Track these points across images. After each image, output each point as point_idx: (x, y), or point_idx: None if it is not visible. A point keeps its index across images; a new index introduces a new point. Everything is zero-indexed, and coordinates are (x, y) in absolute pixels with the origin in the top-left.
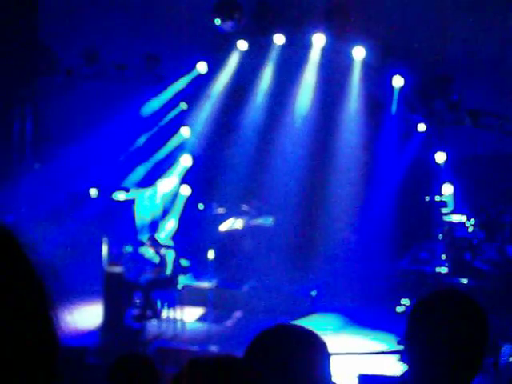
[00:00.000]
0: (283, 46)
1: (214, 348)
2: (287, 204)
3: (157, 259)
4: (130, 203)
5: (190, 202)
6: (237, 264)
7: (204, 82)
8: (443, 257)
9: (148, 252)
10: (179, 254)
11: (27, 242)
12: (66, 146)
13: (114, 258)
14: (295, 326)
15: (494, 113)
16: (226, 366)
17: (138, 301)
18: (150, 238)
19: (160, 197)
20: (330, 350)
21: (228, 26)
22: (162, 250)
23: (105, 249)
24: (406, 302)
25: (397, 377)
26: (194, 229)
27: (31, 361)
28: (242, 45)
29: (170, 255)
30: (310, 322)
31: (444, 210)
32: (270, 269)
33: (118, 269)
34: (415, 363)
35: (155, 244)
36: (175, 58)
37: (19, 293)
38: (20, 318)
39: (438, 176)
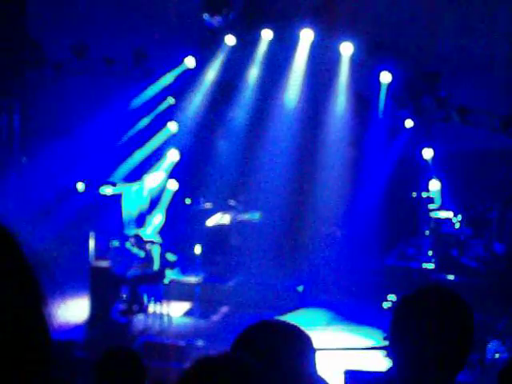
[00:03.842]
0: (271, 42)
1: (200, 343)
2: (274, 199)
3: (142, 254)
4: (116, 198)
5: (177, 196)
6: (224, 259)
7: (192, 76)
8: (430, 253)
9: (134, 247)
10: (166, 249)
11: (21, 238)
12: (53, 140)
13: (101, 252)
14: (280, 321)
15: (482, 109)
16: (234, 366)
17: (124, 295)
18: (134, 237)
19: (147, 191)
20: (317, 345)
21: (216, 20)
22: (148, 246)
23: (91, 243)
24: (392, 297)
25: (383, 372)
26: (181, 224)
27: (25, 354)
28: (230, 40)
29: (155, 250)
30: (296, 317)
31: (431, 206)
32: (256, 264)
33: (104, 263)
34: (400, 360)
35: (139, 242)
36: (163, 52)
37: (15, 288)
38: (15, 313)
39: (425, 172)
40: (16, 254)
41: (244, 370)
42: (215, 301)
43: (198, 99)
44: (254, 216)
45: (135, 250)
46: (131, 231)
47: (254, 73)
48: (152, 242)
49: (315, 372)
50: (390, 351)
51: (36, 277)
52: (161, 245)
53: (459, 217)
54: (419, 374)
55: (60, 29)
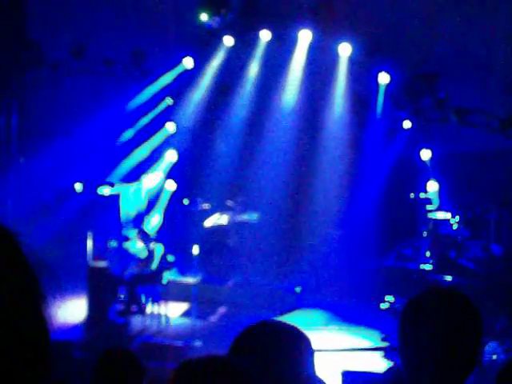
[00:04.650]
0: (269, 42)
1: (198, 343)
2: (272, 200)
3: (144, 253)
4: (114, 198)
5: (175, 197)
6: (221, 260)
7: (190, 77)
8: (427, 254)
9: (133, 247)
10: (166, 249)
11: (20, 238)
12: (51, 140)
13: (99, 252)
14: (279, 322)
15: (480, 110)
16: (217, 367)
17: (122, 296)
18: (139, 232)
19: (145, 192)
20: (314, 346)
21: (214, 21)
22: (152, 244)
23: (89, 243)
24: (390, 298)
25: (381, 374)
26: (178, 224)
27: (24, 355)
28: (229, 40)
29: (158, 249)
30: (294, 318)
31: (429, 207)
32: (254, 265)
33: (102, 263)
34: (409, 364)
35: (144, 237)
36: (162, 53)
37: (14, 288)
38: (14, 313)
39: (423, 173)
40: (16, 254)
41: (230, 372)
42: (213, 301)
43: (196, 100)
44: (252, 217)
45: (135, 248)
46: (130, 231)
47: (252, 73)
48: (157, 240)
49: (313, 373)
50: (399, 353)
51: (36, 277)
52: (163, 243)
53: (457, 218)
54: (430, 378)
55: (58, 29)
